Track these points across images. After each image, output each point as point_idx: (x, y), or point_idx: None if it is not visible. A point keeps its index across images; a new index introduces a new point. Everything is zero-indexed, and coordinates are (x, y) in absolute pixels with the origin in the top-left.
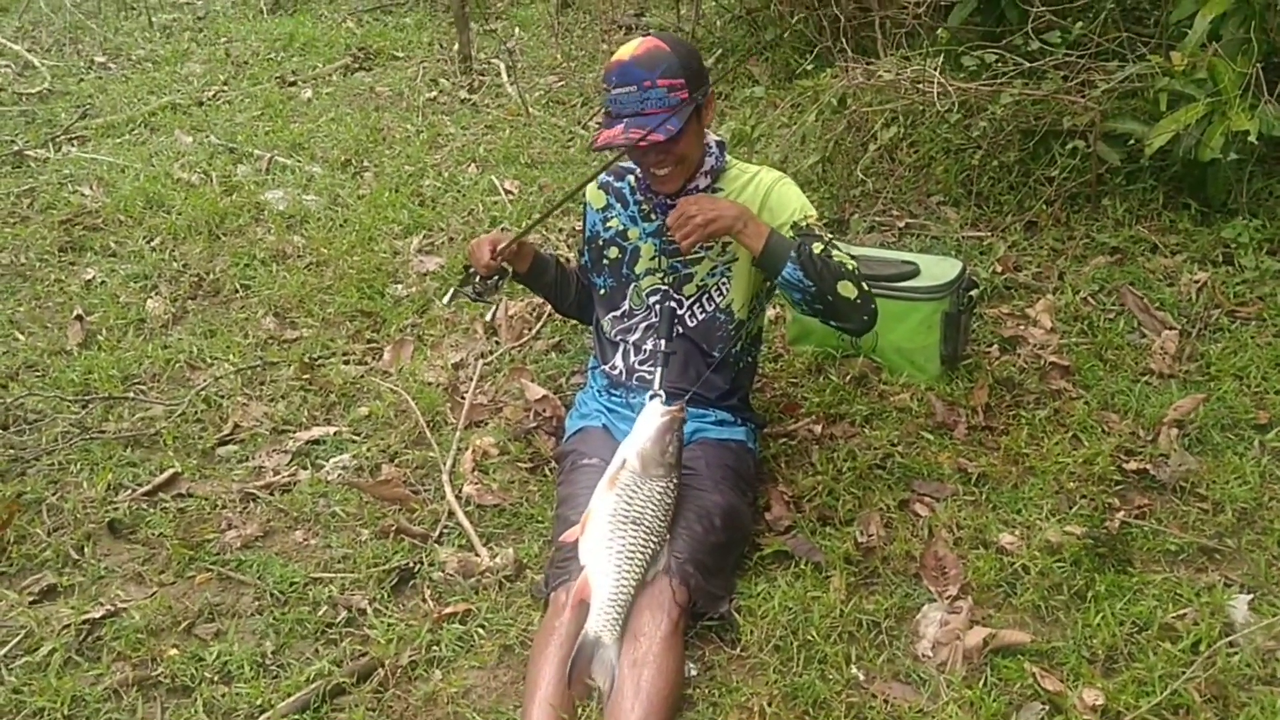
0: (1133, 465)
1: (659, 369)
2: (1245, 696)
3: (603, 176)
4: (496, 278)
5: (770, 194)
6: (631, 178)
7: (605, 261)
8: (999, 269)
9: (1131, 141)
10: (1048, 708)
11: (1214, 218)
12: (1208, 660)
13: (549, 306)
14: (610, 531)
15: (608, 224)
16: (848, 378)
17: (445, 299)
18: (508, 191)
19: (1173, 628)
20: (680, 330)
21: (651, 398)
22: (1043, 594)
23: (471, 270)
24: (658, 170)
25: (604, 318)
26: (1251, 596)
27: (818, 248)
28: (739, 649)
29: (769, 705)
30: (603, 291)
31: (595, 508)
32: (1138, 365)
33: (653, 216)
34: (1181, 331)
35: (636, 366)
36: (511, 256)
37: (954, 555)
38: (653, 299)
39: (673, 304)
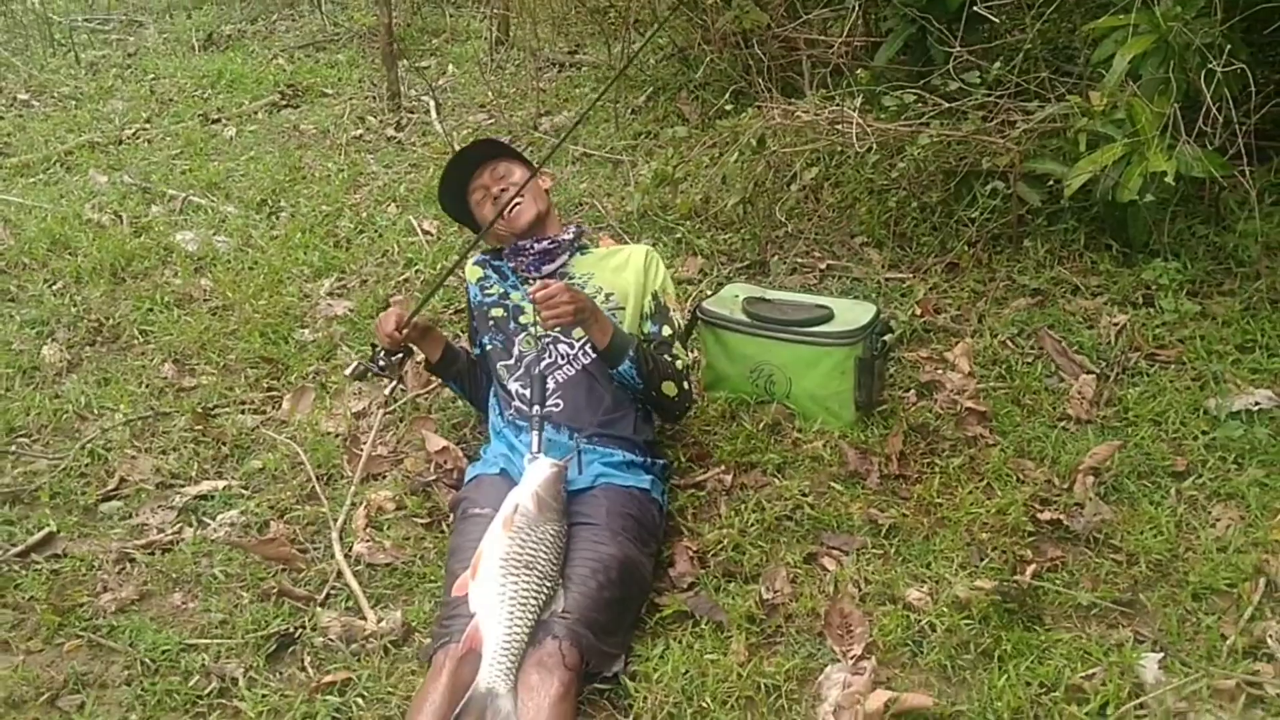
0: (1047, 515)
1: (535, 434)
2: None
3: (480, 256)
4: (400, 355)
5: (648, 260)
6: (504, 259)
7: (491, 321)
8: (919, 311)
9: (1052, 182)
10: None
11: (1135, 259)
12: None
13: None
14: (502, 577)
15: (488, 292)
16: (761, 425)
17: (348, 372)
18: (426, 232)
19: (1081, 689)
20: (577, 368)
21: (531, 461)
22: (949, 653)
23: (376, 346)
24: (503, 195)
25: (497, 369)
26: (1163, 655)
27: (665, 331)
28: (631, 716)
29: None
30: (491, 348)
31: (486, 550)
32: (1055, 410)
33: (528, 278)
34: (1100, 375)
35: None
36: (417, 337)
37: (860, 612)
38: (544, 341)
39: (543, 372)
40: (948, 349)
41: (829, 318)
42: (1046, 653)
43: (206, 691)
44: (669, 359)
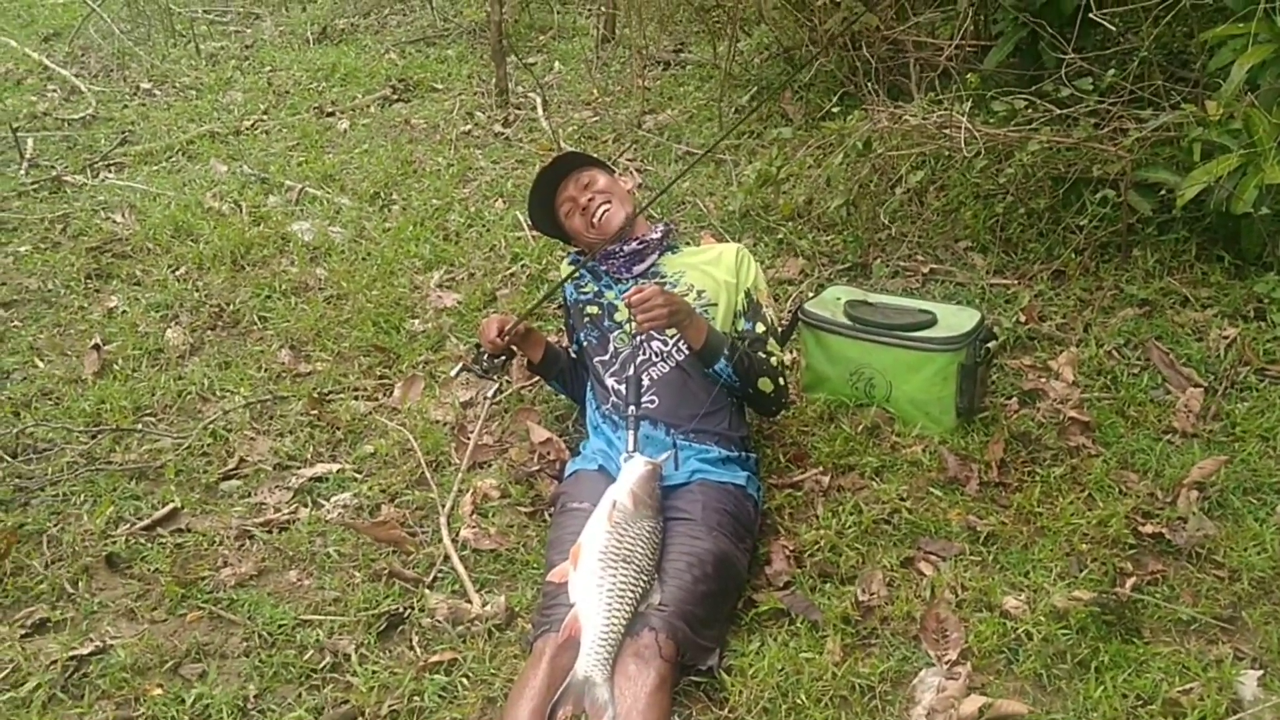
0: (1149, 528)
1: (631, 432)
2: None
3: (573, 255)
4: (503, 358)
5: (740, 258)
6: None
7: (586, 318)
8: (1023, 319)
9: (1164, 191)
10: None
11: (1248, 271)
12: None
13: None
14: (601, 569)
15: (582, 290)
16: (860, 428)
17: (453, 373)
18: (532, 228)
19: (1178, 703)
20: (671, 365)
21: (627, 459)
22: (1045, 662)
23: (480, 347)
24: (590, 204)
25: (593, 364)
26: (1263, 672)
27: (759, 328)
28: (727, 709)
29: None
30: (587, 344)
31: (586, 543)
32: (1160, 423)
33: (621, 278)
34: (1207, 389)
35: (638, 400)
36: (519, 340)
37: (956, 618)
38: (638, 339)
39: (638, 370)
40: (1052, 357)
41: (932, 323)
42: (1144, 666)
43: (320, 665)
44: (764, 356)
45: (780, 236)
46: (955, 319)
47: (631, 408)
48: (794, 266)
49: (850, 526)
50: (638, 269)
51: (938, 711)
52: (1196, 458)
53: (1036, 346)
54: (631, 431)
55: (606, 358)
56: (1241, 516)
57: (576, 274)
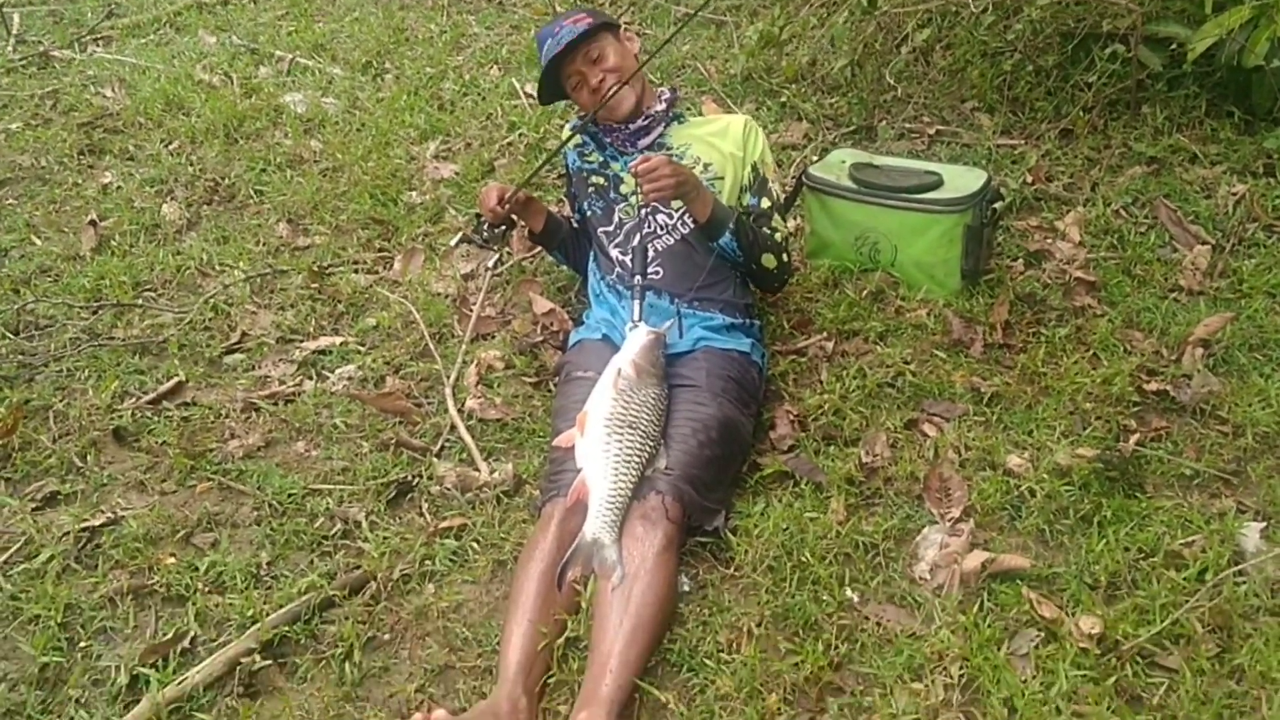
0: (1153, 386)
1: (636, 302)
2: (1250, 627)
3: (576, 122)
4: (503, 227)
5: (747, 131)
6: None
7: (591, 189)
8: (1029, 179)
9: (1174, 46)
10: (1042, 635)
11: (1258, 126)
12: (1213, 589)
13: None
14: (607, 435)
15: (587, 158)
16: (864, 293)
17: (453, 243)
18: (528, 95)
19: (1180, 555)
20: (676, 238)
21: (632, 329)
22: (1048, 518)
23: (480, 217)
24: (601, 85)
25: (598, 235)
26: (1265, 524)
27: (764, 204)
28: (733, 568)
29: (759, 626)
30: (591, 214)
31: (592, 410)
32: (1167, 281)
33: (625, 151)
34: (1215, 246)
35: (643, 270)
36: (520, 209)
37: (959, 477)
38: (644, 210)
39: (644, 240)
40: (1058, 218)
41: (938, 184)
42: (1146, 519)
43: (331, 533)
44: (768, 231)
45: (784, 100)
46: (961, 180)
47: (637, 278)
48: (798, 131)
49: (854, 390)
50: (643, 142)
51: (940, 567)
52: (1202, 315)
53: (1043, 207)
54: (637, 301)
55: (611, 228)
56: (1247, 372)
57: (580, 141)
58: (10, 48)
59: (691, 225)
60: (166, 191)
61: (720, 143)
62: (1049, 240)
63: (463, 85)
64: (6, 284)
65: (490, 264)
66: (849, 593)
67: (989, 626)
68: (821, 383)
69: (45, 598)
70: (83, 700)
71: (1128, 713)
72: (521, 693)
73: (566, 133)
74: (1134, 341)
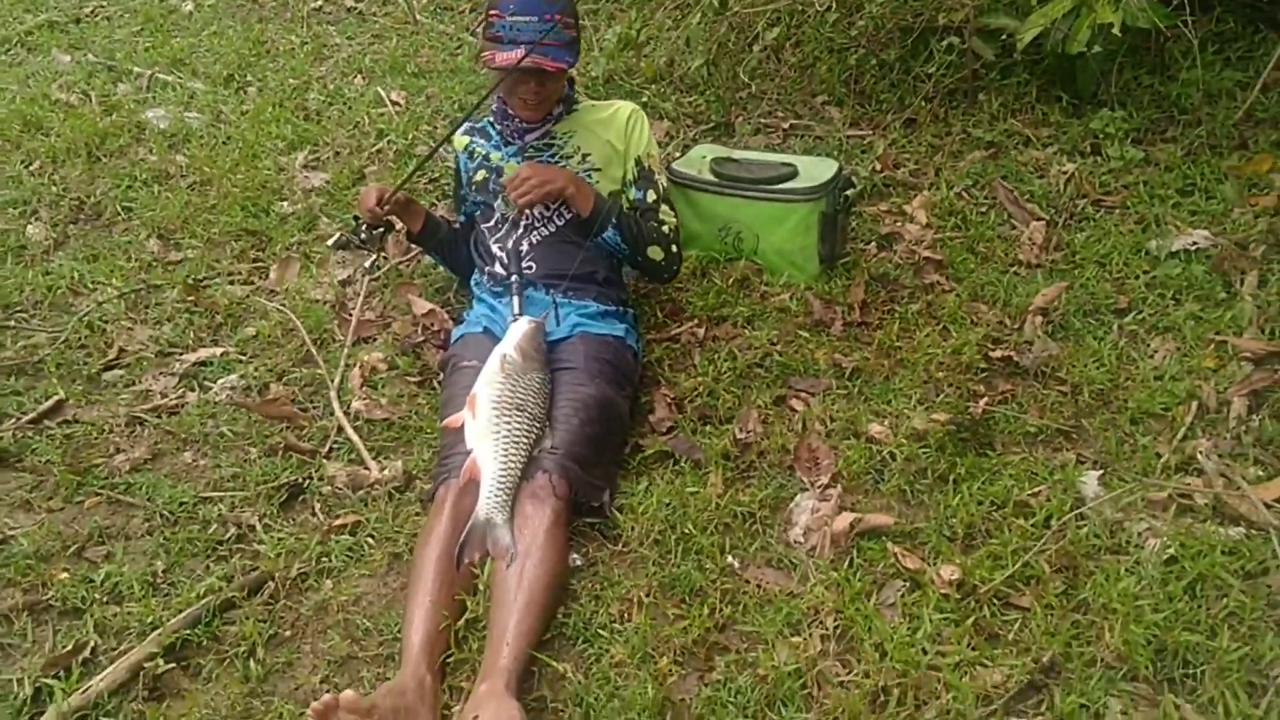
0: (998, 353)
1: (514, 298)
2: (1093, 565)
3: (466, 125)
4: (381, 229)
5: (631, 123)
6: (489, 117)
7: (474, 184)
8: (879, 167)
9: (1005, 36)
10: (908, 584)
11: (1084, 109)
12: (1057, 533)
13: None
14: (496, 417)
15: (474, 157)
16: (730, 281)
17: (330, 243)
18: (394, 102)
19: (1027, 504)
20: (552, 229)
21: (513, 321)
22: (909, 479)
23: (359, 219)
24: (530, 99)
25: (480, 230)
26: (1102, 472)
27: (650, 196)
28: (620, 544)
29: (647, 595)
30: (477, 212)
31: (480, 392)
32: (1007, 256)
33: (511, 140)
34: (1049, 222)
35: (518, 264)
36: (399, 210)
37: (826, 446)
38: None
39: (518, 241)
40: (906, 202)
41: (793, 175)
42: (997, 475)
43: (226, 538)
44: (655, 224)
45: (644, 100)
46: (815, 170)
47: (514, 275)
48: (660, 129)
49: (726, 372)
50: (530, 136)
51: (813, 530)
52: (1040, 286)
53: (892, 193)
54: (516, 297)
55: (491, 224)
56: (1082, 336)
57: (469, 142)
58: None
59: (569, 217)
60: (31, 212)
61: (604, 133)
62: (899, 224)
63: (328, 95)
64: None
65: (368, 265)
66: (730, 559)
67: (859, 580)
68: (695, 366)
69: None
70: None
71: (985, 648)
72: (426, 671)
73: (458, 137)
74: (979, 314)
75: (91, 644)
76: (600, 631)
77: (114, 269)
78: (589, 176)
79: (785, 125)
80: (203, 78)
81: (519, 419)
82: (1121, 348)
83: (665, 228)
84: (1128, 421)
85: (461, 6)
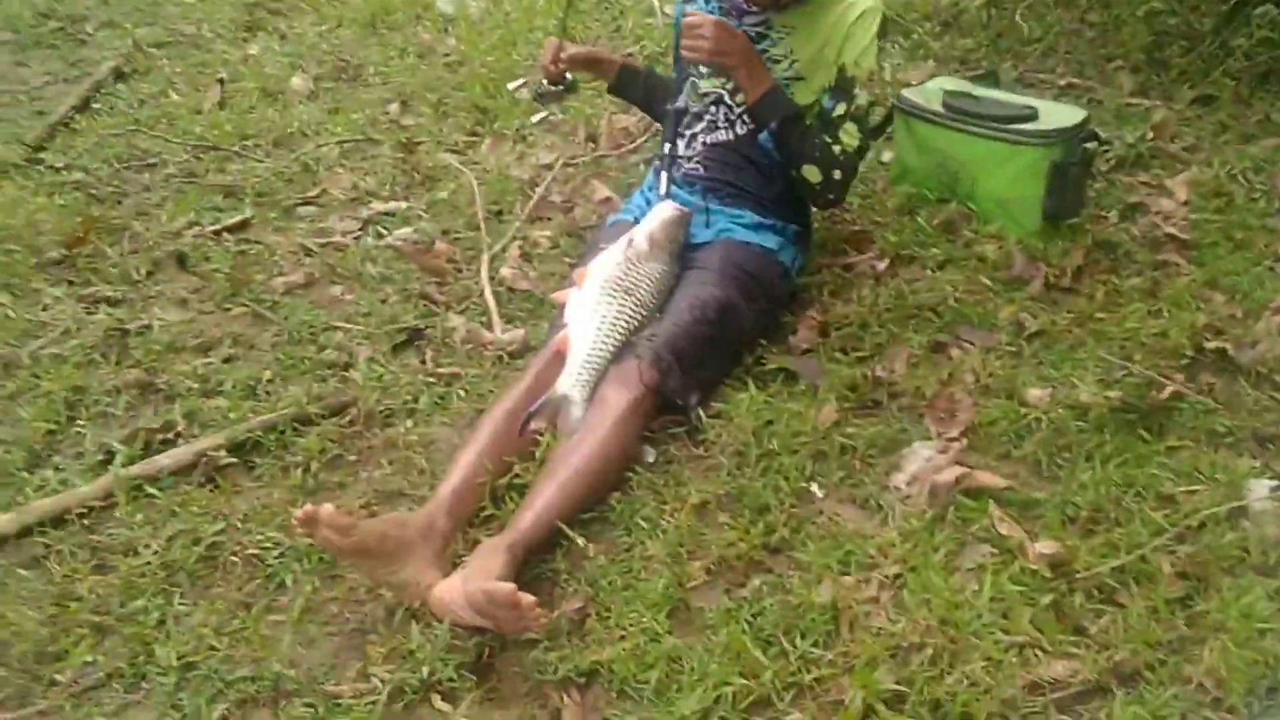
0: (1213, 344)
1: (664, 173)
2: (1227, 581)
3: None
4: (560, 87)
5: (853, 26)
6: None
7: (677, 52)
8: (1150, 135)
9: None
10: (995, 552)
11: None
12: (1196, 535)
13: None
14: (600, 296)
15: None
16: (935, 221)
17: (511, 86)
18: (665, 14)
19: (1173, 499)
20: (731, 135)
21: (660, 199)
22: (1049, 450)
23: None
24: None
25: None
26: (1277, 483)
27: (838, 109)
28: (702, 449)
29: (709, 502)
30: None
31: (593, 270)
32: (1267, 249)
33: (728, 15)
34: None
35: (683, 161)
36: (584, 66)
37: (970, 400)
38: (708, 99)
39: (680, 107)
40: (1169, 175)
41: (1030, 118)
42: (1148, 461)
43: (332, 363)
44: (826, 141)
45: (914, 37)
46: (1057, 115)
47: (667, 146)
48: (923, 71)
49: (890, 308)
50: (748, 20)
51: (919, 479)
52: None
53: (1156, 164)
54: (665, 173)
55: (674, 108)
56: None
57: None
58: None
59: (753, 127)
60: (299, 66)
61: (825, 36)
62: (1151, 195)
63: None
64: (129, 122)
65: (535, 120)
66: (813, 487)
67: (939, 536)
68: (858, 298)
69: (61, 378)
70: (61, 467)
71: (1057, 635)
72: (441, 514)
73: None
74: (1209, 300)
75: (177, 428)
76: (641, 523)
77: (347, 122)
78: (787, 86)
79: (1061, 82)
80: None
81: (624, 302)
82: None
83: (836, 148)
84: None
85: None
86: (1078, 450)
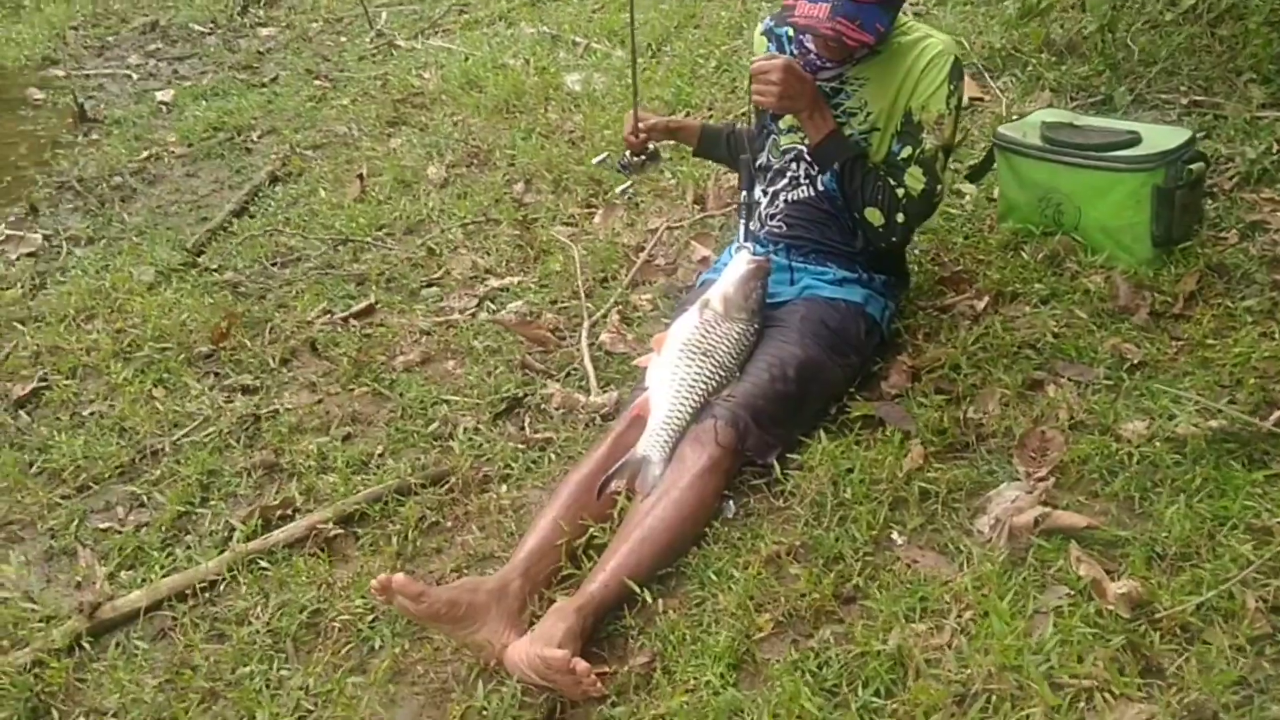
0: None
1: (743, 222)
2: None
3: (767, 22)
4: (643, 157)
5: (926, 68)
6: (790, 28)
7: (758, 108)
8: (1276, 148)
9: None
10: (1070, 594)
11: None
12: None
13: None
14: (679, 359)
15: None
16: (1040, 255)
17: (594, 161)
18: None
19: (1268, 529)
20: (813, 192)
21: (738, 250)
22: (1141, 486)
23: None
24: (824, 51)
25: (750, 162)
26: None
27: (905, 152)
28: (782, 500)
29: (784, 554)
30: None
31: (673, 333)
32: None
33: (807, 70)
34: None
35: (766, 219)
36: (665, 135)
37: (1061, 437)
38: (788, 156)
39: (761, 164)
40: None
41: (1134, 143)
42: (1242, 491)
43: (437, 434)
44: (889, 184)
45: (1030, 69)
46: (1160, 139)
47: (744, 193)
48: (1041, 101)
49: (985, 348)
50: (823, 75)
51: (1001, 521)
52: None
53: None
54: (744, 221)
55: (759, 166)
56: None
57: (768, 46)
58: (369, 40)
59: (833, 186)
60: (434, 155)
61: (899, 83)
62: (1275, 212)
63: (720, 61)
64: (278, 221)
65: (620, 191)
66: (894, 534)
67: (1014, 578)
68: (952, 339)
69: (196, 464)
70: (189, 545)
71: (1133, 677)
72: (517, 576)
73: (758, 36)
74: None
75: (295, 504)
76: (713, 576)
77: (475, 206)
78: (865, 140)
79: (1184, 101)
80: (628, 46)
81: (702, 364)
82: None
83: (900, 191)
84: None
85: None
86: (1170, 484)
